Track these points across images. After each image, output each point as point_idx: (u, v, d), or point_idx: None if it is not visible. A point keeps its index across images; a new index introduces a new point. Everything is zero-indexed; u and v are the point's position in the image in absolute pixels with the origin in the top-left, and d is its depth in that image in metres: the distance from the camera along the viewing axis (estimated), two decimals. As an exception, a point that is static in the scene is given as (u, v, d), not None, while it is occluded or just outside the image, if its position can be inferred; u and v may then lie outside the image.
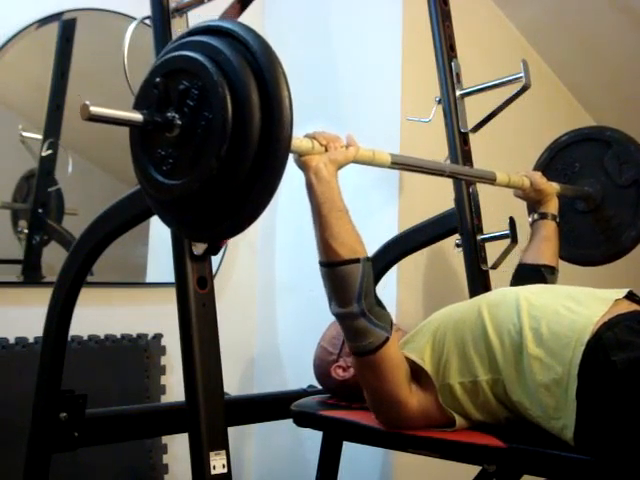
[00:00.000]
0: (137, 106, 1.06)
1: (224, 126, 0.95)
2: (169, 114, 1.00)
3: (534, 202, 1.85)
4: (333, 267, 1.27)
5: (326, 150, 1.31)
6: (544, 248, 1.77)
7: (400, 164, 1.52)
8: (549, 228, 1.79)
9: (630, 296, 1.33)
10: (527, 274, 1.70)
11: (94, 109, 0.97)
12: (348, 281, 1.25)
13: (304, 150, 1.28)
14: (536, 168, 2.06)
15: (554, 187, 1.85)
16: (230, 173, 0.97)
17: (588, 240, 2.03)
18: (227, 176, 0.97)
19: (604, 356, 1.18)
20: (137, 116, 1.02)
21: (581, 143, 2.05)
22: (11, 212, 2.07)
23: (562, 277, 1.79)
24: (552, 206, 1.82)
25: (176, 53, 1.04)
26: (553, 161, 2.08)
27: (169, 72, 1.03)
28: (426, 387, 1.36)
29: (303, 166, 1.30)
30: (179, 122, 1.00)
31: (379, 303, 1.30)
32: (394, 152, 2.22)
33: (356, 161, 1.38)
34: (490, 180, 1.71)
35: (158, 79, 1.03)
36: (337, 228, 1.27)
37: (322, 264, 1.30)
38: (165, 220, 1.12)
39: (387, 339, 1.28)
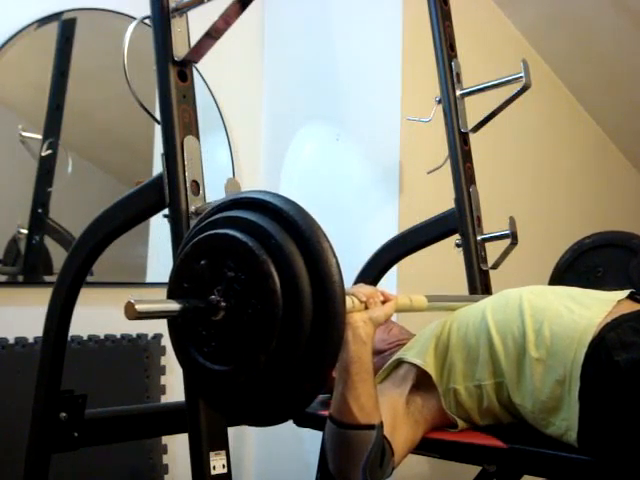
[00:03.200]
0: (176, 283, 0.99)
1: (273, 321, 0.89)
2: (213, 297, 0.93)
3: None
4: (345, 429, 1.23)
5: (366, 307, 1.27)
6: None
7: (437, 301, 1.48)
8: None
9: (633, 296, 1.32)
10: None
11: (140, 307, 0.90)
12: (357, 447, 1.21)
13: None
14: (558, 267, 2.03)
15: None
16: (279, 367, 0.92)
17: None
18: (276, 370, 0.92)
19: (607, 357, 1.18)
20: (174, 306, 0.94)
21: (605, 248, 2.00)
22: None
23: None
24: None
25: (221, 231, 0.95)
26: (576, 262, 2.03)
27: (213, 250, 0.95)
28: (429, 392, 1.35)
29: None
30: (223, 304, 0.93)
31: (382, 460, 1.23)
32: (394, 153, 2.26)
33: (396, 310, 1.35)
34: None
35: (203, 261, 0.95)
36: (360, 390, 1.22)
37: (335, 422, 1.24)
38: (205, 400, 1.08)
39: (393, 468, 1.26)
